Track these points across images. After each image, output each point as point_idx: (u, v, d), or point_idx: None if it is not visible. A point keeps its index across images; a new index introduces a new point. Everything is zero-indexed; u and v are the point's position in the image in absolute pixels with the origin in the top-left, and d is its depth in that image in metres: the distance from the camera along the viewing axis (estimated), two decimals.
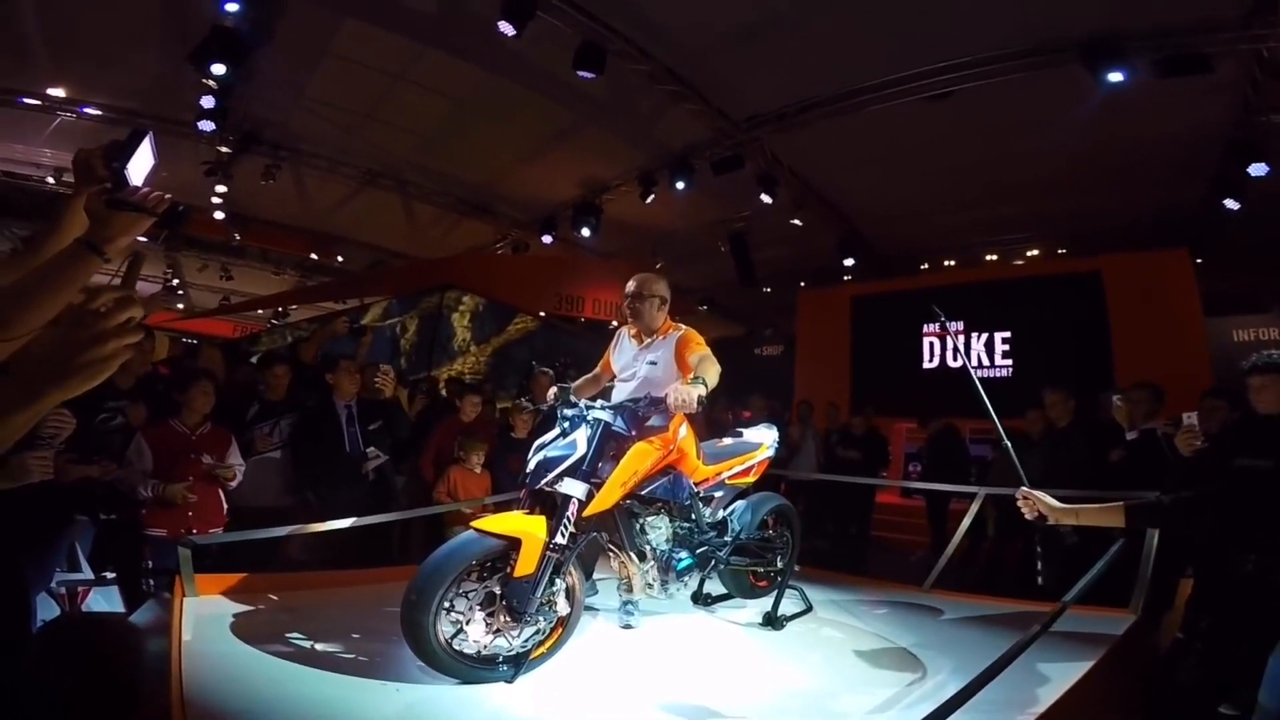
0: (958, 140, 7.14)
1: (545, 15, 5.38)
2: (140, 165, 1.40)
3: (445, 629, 2.02)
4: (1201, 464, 2.70)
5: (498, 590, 2.10)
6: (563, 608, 2.23)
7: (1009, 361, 9.26)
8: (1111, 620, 2.76)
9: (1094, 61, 5.30)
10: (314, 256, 13.14)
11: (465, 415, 4.60)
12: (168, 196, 1.42)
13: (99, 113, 7.69)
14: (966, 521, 3.65)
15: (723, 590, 3.11)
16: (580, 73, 5.70)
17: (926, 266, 11.32)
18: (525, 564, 2.07)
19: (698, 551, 2.64)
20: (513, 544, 2.09)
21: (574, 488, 2.22)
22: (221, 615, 2.42)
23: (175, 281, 13.55)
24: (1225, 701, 2.06)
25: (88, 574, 3.14)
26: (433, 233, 11.24)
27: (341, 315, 8.91)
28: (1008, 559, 4.97)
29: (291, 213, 11.03)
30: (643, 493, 2.42)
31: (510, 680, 2.08)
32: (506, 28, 5.19)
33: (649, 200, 8.32)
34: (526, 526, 2.13)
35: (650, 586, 2.48)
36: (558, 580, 2.19)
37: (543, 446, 2.38)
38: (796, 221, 8.86)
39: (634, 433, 2.38)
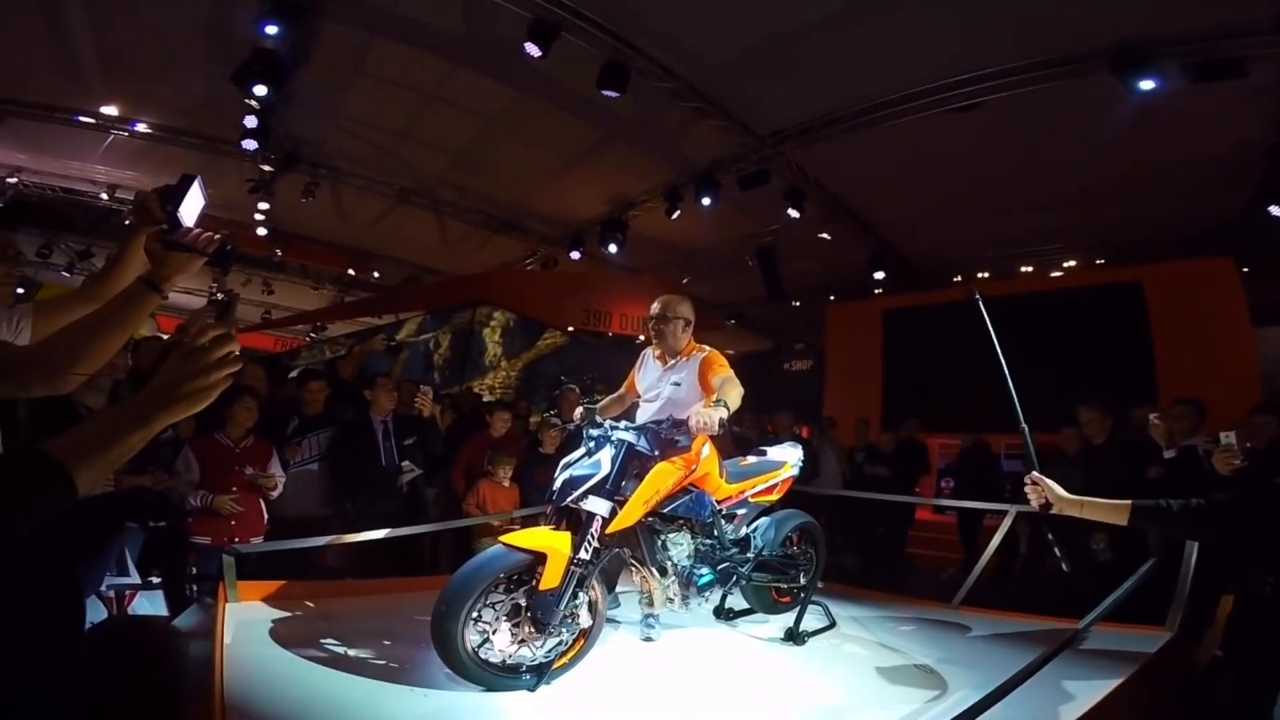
0: (990, 150, 7.05)
1: (569, 36, 5.52)
2: (191, 207, 1.53)
3: (472, 638, 2.09)
4: (1240, 484, 2.63)
5: (523, 602, 2.16)
6: (585, 620, 2.28)
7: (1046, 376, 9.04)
8: (1148, 638, 2.69)
9: (1124, 69, 5.19)
10: (351, 272, 13.54)
11: (495, 430, 4.70)
12: (217, 236, 1.54)
13: (149, 130, 8.07)
14: (997, 538, 3.59)
15: (745, 605, 3.12)
16: (605, 92, 5.81)
17: (960, 279, 11.13)
18: (550, 578, 2.14)
19: (719, 567, 2.67)
20: (539, 558, 2.16)
21: (598, 505, 2.28)
22: (261, 620, 2.53)
23: (220, 296, 14.08)
24: None
25: (135, 578, 3.28)
26: (464, 249, 11.49)
27: (379, 332, 9.17)
28: (1040, 576, 4.86)
29: (330, 229, 11.40)
30: (665, 510, 2.47)
31: (533, 689, 2.14)
32: (532, 49, 5.34)
33: (675, 216, 8.39)
34: (552, 542, 2.19)
35: (671, 601, 2.52)
36: (581, 594, 2.25)
37: (569, 465, 2.45)
38: (825, 235, 8.83)
39: (657, 453, 2.44)
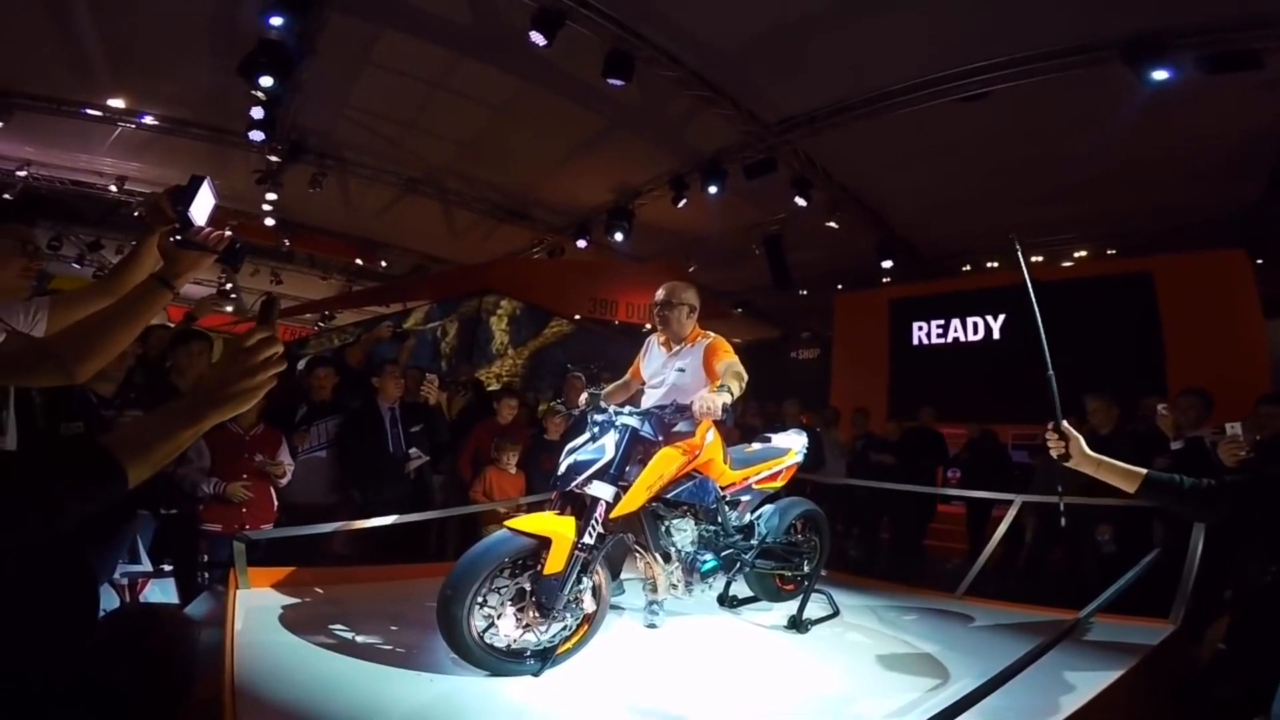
0: (1000, 140, 6.98)
1: (574, 24, 5.49)
2: (202, 207, 1.58)
3: (478, 623, 2.11)
4: (1247, 473, 2.61)
5: (528, 587, 2.18)
6: (589, 605, 2.31)
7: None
8: (1150, 630, 2.70)
9: (1137, 60, 5.11)
10: (359, 261, 13.58)
11: (502, 418, 4.72)
12: (227, 235, 1.58)
13: (156, 123, 8.11)
14: (1002, 528, 3.60)
15: (749, 593, 3.14)
16: (610, 81, 5.78)
17: (968, 268, 11.06)
18: (555, 562, 2.16)
19: (723, 554, 2.68)
20: (543, 543, 2.17)
21: (602, 490, 2.29)
22: (271, 607, 2.57)
23: (229, 285, 14.18)
24: (1259, 715, 2.00)
25: (147, 566, 3.33)
26: (471, 238, 11.51)
27: (386, 320, 9.21)
28: (1045, 568, 4.86)
29: (337, 219, 11.44)
30: (669, 496, 2.48)
31: (536, 674, 2.17)
32: (537, 37, 5.32)
33: (681, 205, 8.36)
34: (556, 526, 2.21)
35: (675, 587, 2.54)
36: (585, 579, 2.27)
37: (574, 450, 2.47)
38: (832, 224, 8.78)
39: (661, 438, 2.44)
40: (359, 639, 2.37)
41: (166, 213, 1.58)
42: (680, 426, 2.49)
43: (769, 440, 3.16)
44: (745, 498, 2.93)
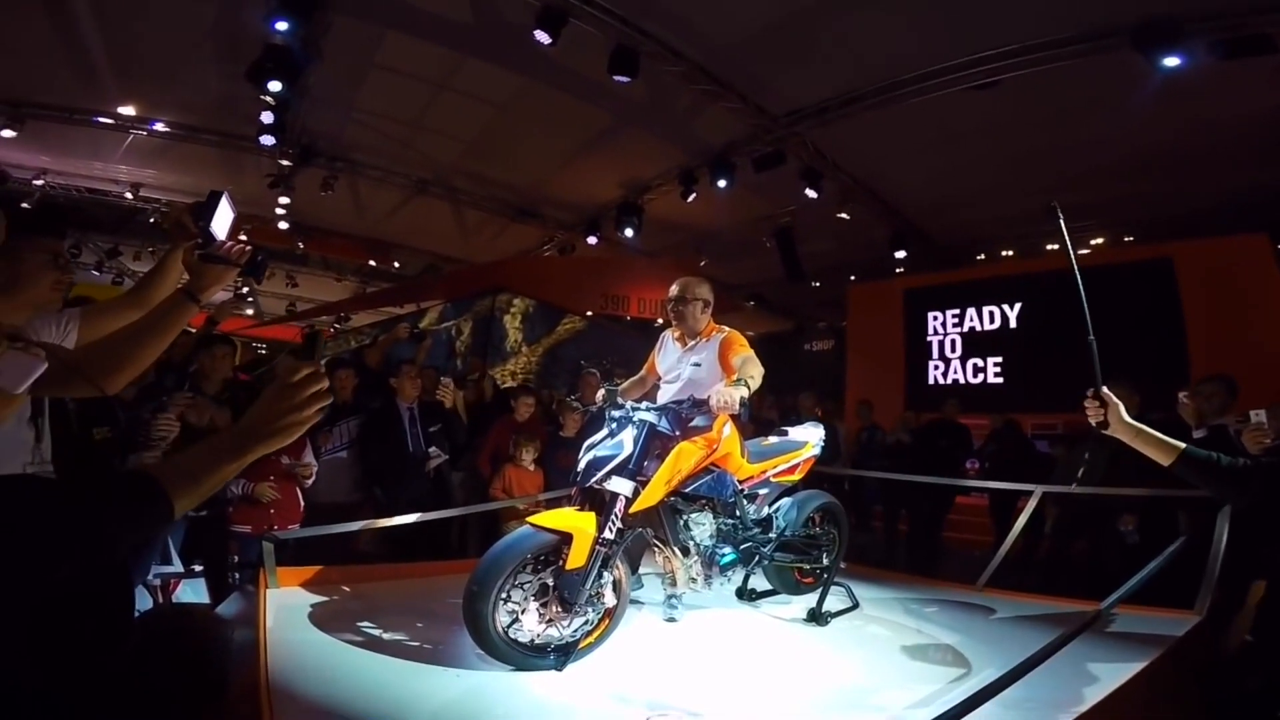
0: (1013, 127, 6.89)
1: (578, 22, 5.49)
2: (222, 220, 1.64)
3: (502, 618, 2.15)
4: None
5: (550, 582, 2.22)
6: (610, 599, 2.34)
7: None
8: (1175, 621, 2.67)
9: (1148, 46, 5.03)
10: (372, 263, 13.70)
11: (519, 415, 4.77)
12: (249, 248, 1.63)
13: (167, 129, 8.20)
14: (1022, 519, 3.55)
15: (768, 586, 3.15)
16: (616, 77, 5.77)
17: (983, 257, 10.96)
18: (576, 557, 2.19)
19: (741, 547, 2.70)
20: (564, 539, 2.20)
21: (621, 485, 2.32)
22: (301, 605, 2.61)
23: (245, 290, 14.36)
24: None
25: (179, 567, 3.41)
26: (482, 237, 11.56)
27: (402, 320, 9.30)
28: (1068, 558, 4.82)
29: (350, 221, 11.53)
30: (687, 490, 2.50)
31: (560, 669, 2.20)
32: (542, 36, 5.33)
33: (691, 199, 8.36)
34: (577, 522, 2.24)
35: (694, 581, 2.56)
36: (605, 573, 2.30)
37: (592, 446, 2.49)
38: (843, 215, 8.73)
39: (678, 433, 2.46)
40: (386, 635, 2.41)
41: (189, 228, 1.64)
42: (697, 421, 2.50)
43: (786, 434, 3.16)
44: (763, 491, 2.94)
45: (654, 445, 2.43)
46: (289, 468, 3.46)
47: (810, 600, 2.95)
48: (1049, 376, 8.24)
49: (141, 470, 0.96)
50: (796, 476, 3.06)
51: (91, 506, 0.92)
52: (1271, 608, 2.36)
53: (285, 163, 8.86)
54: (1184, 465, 1.94)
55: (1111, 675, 2.14)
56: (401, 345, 5.62)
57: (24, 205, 9.08)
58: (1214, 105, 6.09)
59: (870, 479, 6.59)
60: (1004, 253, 10.64)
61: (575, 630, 2.25)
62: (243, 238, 1.73)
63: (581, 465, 2.45)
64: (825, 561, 3.07)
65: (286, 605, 2.56)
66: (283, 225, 10.87)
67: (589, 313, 10.30)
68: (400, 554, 3.70)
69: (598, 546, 2.23)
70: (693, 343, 2.90)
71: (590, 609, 2.28)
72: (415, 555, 3.56)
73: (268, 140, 7.45)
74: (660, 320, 8.88)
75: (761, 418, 6.10)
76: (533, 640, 2.20)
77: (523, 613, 2.18)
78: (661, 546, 2.56)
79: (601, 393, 2.76)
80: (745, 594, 3.14)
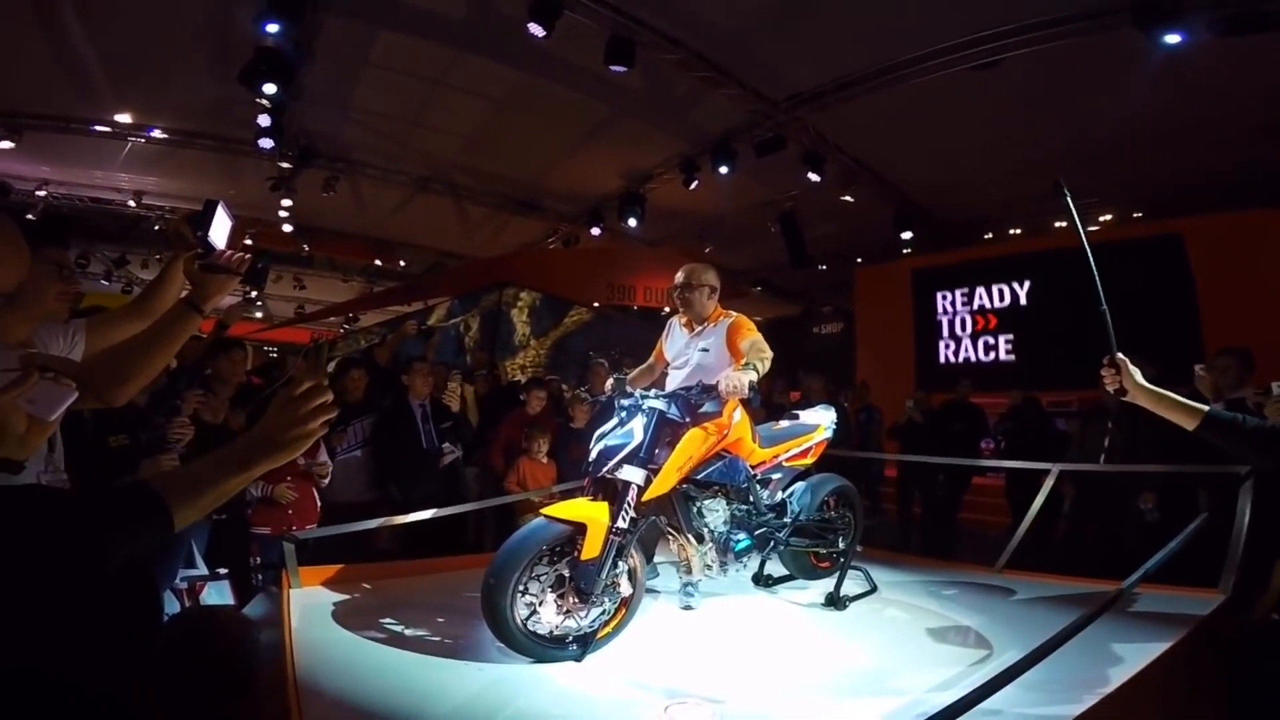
0: (1016, 105, 6.80)
1: (572, 13, 5.44)
2: (220, 229, 1.66)
3: (520, 610, 2.16)
4: None
5: (567, 573, 2.23)
6: (626, 589, 2.35)
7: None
8: (1199, 601, 2.64)
9: (1148, 23, 4.95)
10: (378, 262, 13.75)
11: (531, 408, 4.78)
12: (248, 257, 1.65)
13: (165, 136, 8.22)
14: (1040, 499, 3.51)
15: (784, 571, 3.15)
16: (612, 67, 5.73)
17: (990, 236, 10.85)
18: (591, 547, 2.20)
19: (756, 533, 2.70)
20: (579, 529, 2.21)
21: (633, 474, 2.32)
22: (324, 604, 2.64)
23: (254, 293, 14.43)
24: None
25: (203, 570, 3.46)
26: (485, 232, 11.56)
27: (410, 318, 9.33)
28: (1086, 537, 4.79)
29: (353, 221, 11.57)
30: (699, 477, 2.50)
31: (579, 659, 2.21)
32: (535, 28, 5.28)
33: (693, 186, 8.31)
34: (591, 512, 2.24)
35: (709, 568, 2.57)
36: (621, 563, 2.30)
37: (603, 436, 2.49)
38: (847, 198, 8.66)
39: (688, 419, 2.45)
40: (409, 631, 2.43)
41: (188, 238, 1.65)
42: (707, 407, 2.49)
43: (797, 417, 3.16)
44: (776, 476, 2.94)
45: (664, 433, 2.42)
46: (306, 468, 3.50)
47: (827, 585, 2.95)
48: (1061, 353, 8.19)
49: (142, 481, 0.96)
50: (809, 460, 3.05)
51: (90, 516, 0.93)
52: None
53: (285, 165, 8.88)
54: (1209, 428, 1.91)
55: (1135, 656, 2.12)
56: (411, 342, 5.64)
57: (29, 217, 9.17)
58: (1221, 81, 5.99)
59: (873, 461, 6.55)
60: (1012, 231, 10.54)
61: (593, 620, 2.26)
62: (247, 241, 1.74)
63: (593, 455, 2.45)
64: (841, 545, 3.06)
65: (310, 604, 2.59)
66: (287, 228, 10.91)
67: (595, 304, 10.30)
68: (418, 550, 3.73)
69: (612, 536, 2.23)
70: (700, 328, 2.89)
71: (607, 599, 2.28)
72: (433, 551, 3.59)
73: (266, 143, 7.44)
74: (667, 309, 8.85)
75: (773, 403, 6.08)
76: (551, 632, 2.21)
77: (540, 605, 2.19)
78: (675, 534, 2.56)
79: (610, 382, 2.76)
80: (762, 580, 3.15)
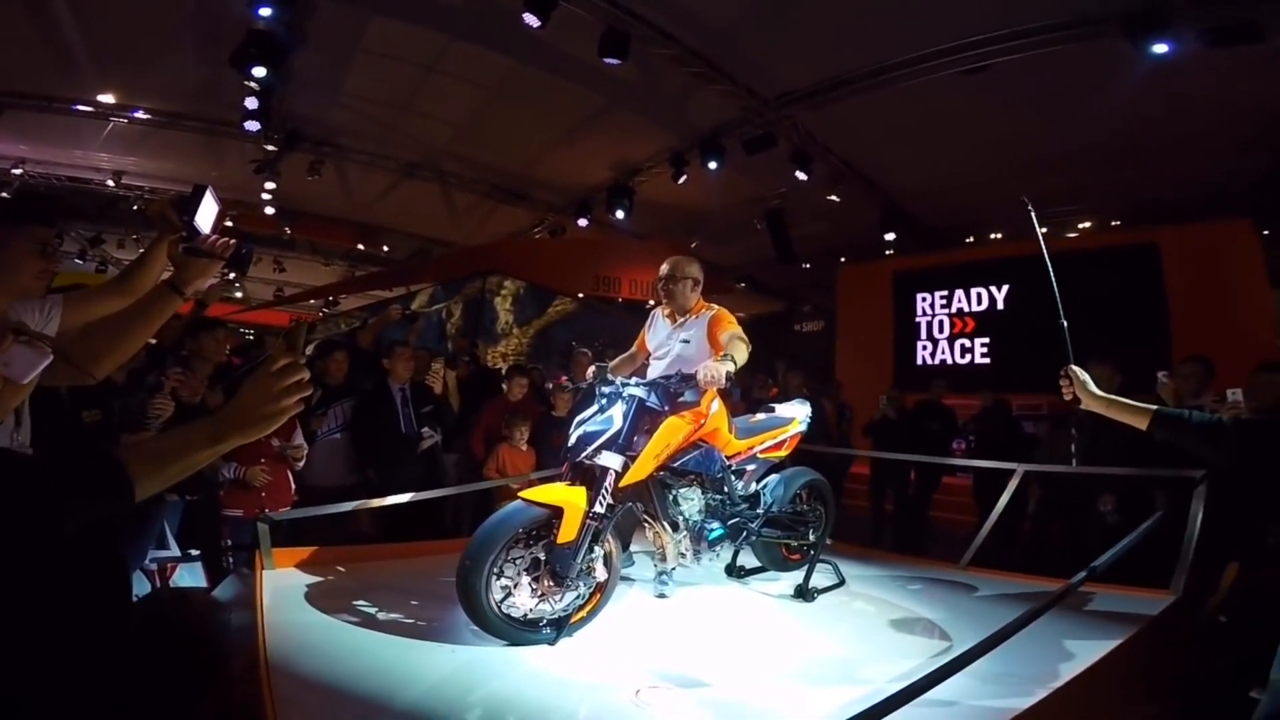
0: (1002, 111, 6.90)
1: (567, 4, 5.42)
2: (206, 214, 1.66)
3: (495, 593, 2.19)
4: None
5: (542, 556, 2.26)
6: (600, 574, 2.38)
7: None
8: (1151, 601, 2.73)
9: (1137, 33, 5.04)
10: (361, 247, 13.59)
11: (512, 395, 4.79)
12: (232, 242, 1.66)
13: (148, 117, 8.07)
14: (1005, 498, 3.60)
15: (756, 563, 3.21)
16: (606, 60, 5.72)
17: (972, 240, 11.01)
18: (567, 531, 2.23)
19: (730, 523, 2.75)
20: (555, 513, 2.24)
21: (611, 460, 2.35)
22: (297, 586, 2.64)
23: (232, 275, 14.20)
24: (1258, 685, 2.05)
25: (175, 551, 3.43)
26: (472, 220, 11.49)
27: (392, 303, 9.26)
28: (1049, 537, 4.91)
29: (337, 206, 11.43)
30: (675, 465, 2.54)
31: (552, 643, 2.24)
32: (531, 19, 5.25)
33: (681, 181, 8.33)
34: (568, 496, 2.27)
35: (683, 556, 2.61)
36: (596, 548, 2.33)
37: (582, 422, 2.52)
38: (834, 198, 8.73)
39: (667, 408, 2.50)
40: (382, 614, 2.45)
41: (173, 222, 1.65)
42: (686, 396, 2.53)
43: (773, 410, 3.21)
44: (751, 467, 2.99)
45: (643, 420, 2.46)
46: (280, 450, 3.47)
47: (797, 577, 3.01)
48: (1035, 357, 8.34)
49: (105, 449, 0.96)
50: (784, 453, 3.11)
51: (47, 480, 0.92)
52: (1244, 589, 2.44)
53: (270, 148, 8.74)
54: (1159, 425, 2.01)
55: (1087, 652, 2.20)
56: (394, 327, 5.61)
57: (3, 195, 8.95)
58: (1200, 92, 6.12)
59: (843, 458, 6.60)
60: (992, 235, 10.70)
61: (567, 604, 2.30)
62: (229, 223, 1.75)
63: (572, 440, 2.48)
64: (812, 538, 3.12)
65: (283, 586, 2.59)
66: (269, 210, 10.75)
67: (580, 294, 10.28)
68: (396, 535, 3.73)
69: (588, 521, 2.27)
70: (682, 320, 2.94)
71: (582, 583, 2.32)
72: (410, 536, 3.60)
73: (252, 126, 7.33)
74: (651, 302, 8.89)
75: (753, 398, 6.14)
76: (525, 615, 2.24)
77: (515, 587, 2.22)
78: (651, 521, 2.60)
79: (592, 369, 2.79)
80: (734, 571, 3.20)
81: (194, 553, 3.49)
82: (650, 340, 3.07)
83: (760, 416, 3.12)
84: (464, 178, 10.10)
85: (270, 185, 9.62)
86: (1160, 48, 5.04)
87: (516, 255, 10.69)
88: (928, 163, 8.33)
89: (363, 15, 6.25)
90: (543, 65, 6.82)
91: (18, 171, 9.72)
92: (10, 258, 1.57)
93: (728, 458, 2.77)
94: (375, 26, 6.40)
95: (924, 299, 10.61)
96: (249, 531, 2.91)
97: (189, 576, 3.62)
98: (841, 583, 3.13)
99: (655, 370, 2.91)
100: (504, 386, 4.95)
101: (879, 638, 2.56)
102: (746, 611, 2.84)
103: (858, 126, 7.49)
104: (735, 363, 2.47)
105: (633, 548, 3.23)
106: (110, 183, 10.36)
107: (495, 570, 2.18)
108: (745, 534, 2.85)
